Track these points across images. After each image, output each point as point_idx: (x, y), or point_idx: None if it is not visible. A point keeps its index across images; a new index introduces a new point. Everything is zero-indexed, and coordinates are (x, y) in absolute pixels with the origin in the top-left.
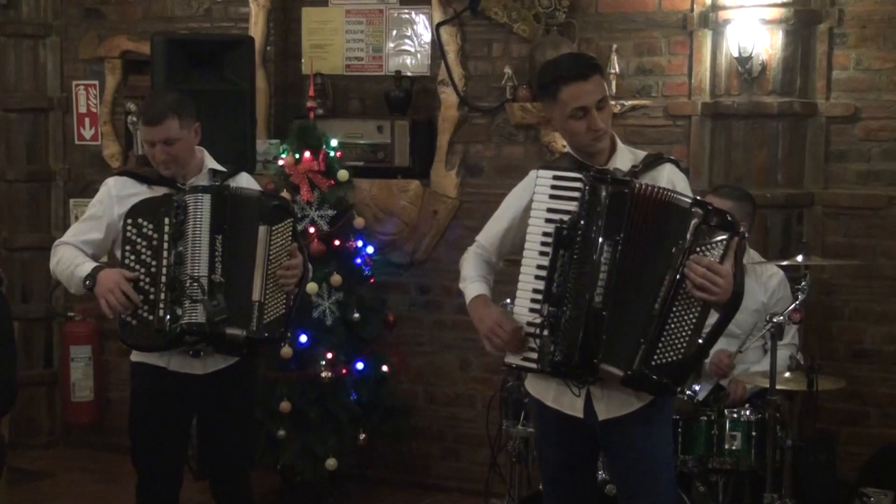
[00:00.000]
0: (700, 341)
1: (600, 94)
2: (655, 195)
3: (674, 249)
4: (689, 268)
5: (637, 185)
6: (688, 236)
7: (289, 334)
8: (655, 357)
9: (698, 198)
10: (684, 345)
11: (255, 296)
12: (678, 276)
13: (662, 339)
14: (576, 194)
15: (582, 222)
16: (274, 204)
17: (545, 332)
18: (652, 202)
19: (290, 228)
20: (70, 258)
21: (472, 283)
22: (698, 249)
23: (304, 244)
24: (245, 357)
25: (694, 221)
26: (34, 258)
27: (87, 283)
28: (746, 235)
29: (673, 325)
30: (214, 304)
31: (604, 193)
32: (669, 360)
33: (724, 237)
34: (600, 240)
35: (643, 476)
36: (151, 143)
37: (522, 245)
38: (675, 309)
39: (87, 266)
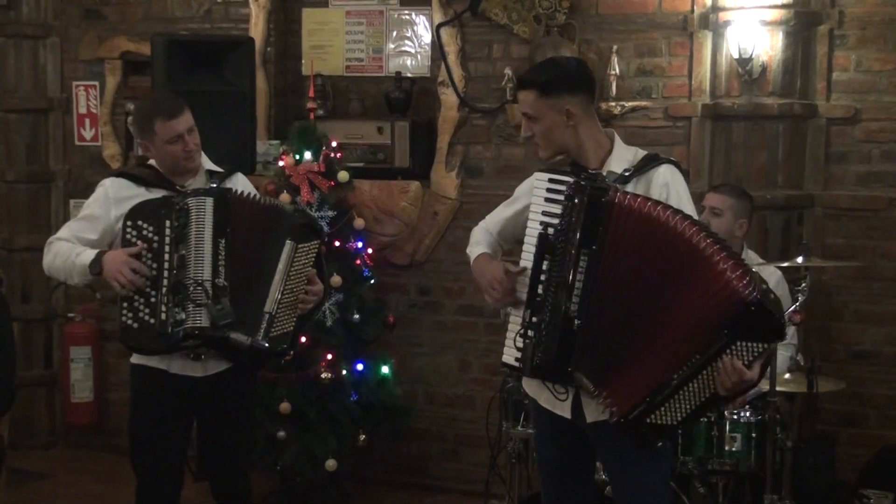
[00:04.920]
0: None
1: (521, 109)
2: (640, 208)
3: (715, 344)
4: (725, 368)
5: (617, 195)
6: (733, 328)
7: (291, 351)
8: (653, 417)
9: (757, 295)
10: (682, 416)
11: (268, 307)
12: (707, 362)
13: (667, 404)
14: (563, 198)
15: (561, 228)
16: (304, 222)
17: (530, 335)
18: (635, 215)
19: (316, 250)
20: (67, 250)
21: (477, 247)
22: (738, 344)
23: (326, 269)
24: (245, 365)
25: (746, 315)
26: (34, 259)
27: (94, 268)
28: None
29: (681, 397)
30: (219, 308)
31: (584, 200)
32: (664, 423)
33: (765, 346)
34: (575, 248)
35: (634, 480)
36: (178, 137)
37: (519, 237)
38: (691, 385)
39: (89, 253)
